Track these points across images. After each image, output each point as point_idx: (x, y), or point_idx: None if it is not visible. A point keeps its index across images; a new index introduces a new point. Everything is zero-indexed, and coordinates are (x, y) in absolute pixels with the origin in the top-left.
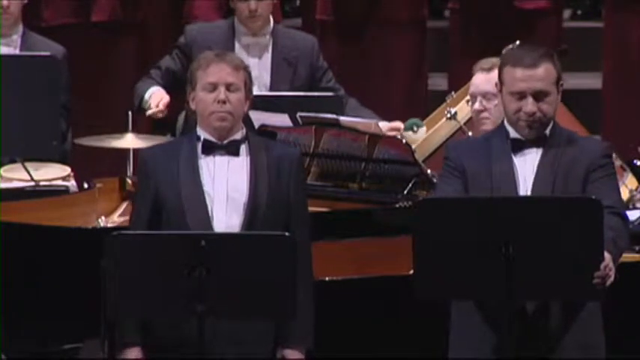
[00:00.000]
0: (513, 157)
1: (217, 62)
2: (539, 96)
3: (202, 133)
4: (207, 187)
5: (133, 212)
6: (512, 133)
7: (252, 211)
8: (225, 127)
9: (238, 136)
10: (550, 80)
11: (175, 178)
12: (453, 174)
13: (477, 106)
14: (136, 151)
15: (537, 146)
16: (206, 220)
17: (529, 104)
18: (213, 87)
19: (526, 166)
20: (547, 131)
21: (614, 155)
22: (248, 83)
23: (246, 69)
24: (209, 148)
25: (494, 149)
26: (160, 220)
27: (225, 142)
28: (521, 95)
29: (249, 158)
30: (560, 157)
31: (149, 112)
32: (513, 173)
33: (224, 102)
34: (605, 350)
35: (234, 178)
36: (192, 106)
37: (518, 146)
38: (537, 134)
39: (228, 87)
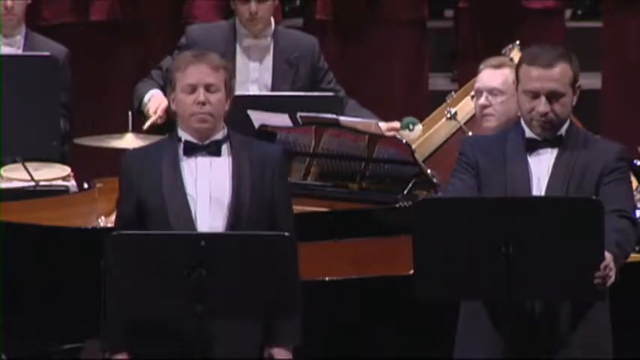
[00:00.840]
0: (528, 157)
1: (196, 63)
2: (552, 96)
3: (183, 135)
4: (189, 188)
5: (118, 216)
6: (528, 133)
7: (236, 212)
8: (206, 128)
9: (220, 136)
10: (565, 81)
11: (158, 181)
12: (466, 169)
13: (482, 100)
14: None
15: (552, 146)
16: (189, 221)
17: (542, 104)
18: (193, 88)
19: (540, 167)
20: (563, 132)
21: None
22: (228, 82)
23: (225, 68)
24: (190, 150)
25: (509, 148)
26: (144, 223)
27: (207, 142)
28: (535, 94)
29: (231, 158)
30: (576, 159)
31: (148, 123)
32: (527, 173)
33: (204, 103)
34: (612, 351)
35: (217, 178)
36: (173, 107)
37: (533, 146)
38: (551, 135)
39: (208, 88)
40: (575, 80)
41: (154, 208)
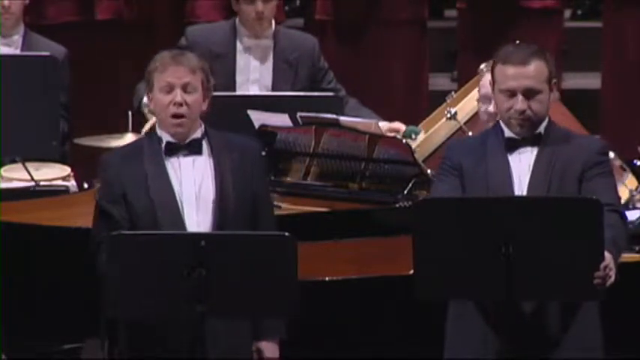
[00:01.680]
0: (508, 156)
1: (174, 64)
2: (529, 94)
3: (163, 135)
4: (176, 188)
5: (98, 221)
6: (507, 132)
7: (222, 209)
8: (183, 132)
9: (198, 134)
10: (541, 78)
11: (143, 181)
12: (450, 172)
13: (490, 108)
14: None
15: (532, 145)
16: (179, 221)
17: (519, 102)
18: (170, 88)
19: (521, 165)
20: (542, 130)
21: (613, 155)
22: (205, 83)
23: (202, 69)
24: (172, 150)
25: (490, 148)
26: (132, 222)
27: (187, 141)
28: (512, 93)
29: (212, 156)
30: (556, 156)
31: (147, 125)
32: (508, 172)
33: (181, 104)
34: (602, 350)
35: (201, 177)
36: (151, 106)
37: (513, 145)
38: (530, 133)
39: (185, 88)
40: (550, 77)
41: (141, 209)
